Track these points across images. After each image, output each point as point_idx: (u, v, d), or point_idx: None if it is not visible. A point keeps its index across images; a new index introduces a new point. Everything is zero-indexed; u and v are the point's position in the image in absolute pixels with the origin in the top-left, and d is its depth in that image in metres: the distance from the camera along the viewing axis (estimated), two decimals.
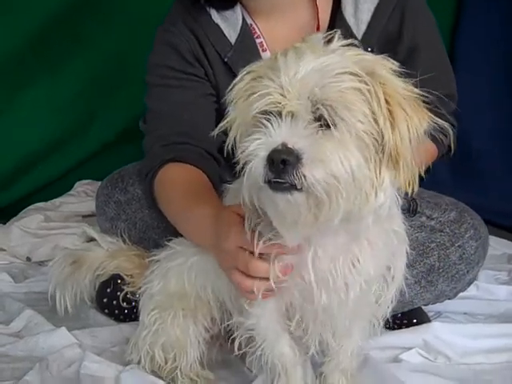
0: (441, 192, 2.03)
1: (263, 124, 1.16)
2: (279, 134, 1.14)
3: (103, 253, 1.86)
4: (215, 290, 1.53)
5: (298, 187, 1.12)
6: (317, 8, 1.86)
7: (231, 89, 1.25)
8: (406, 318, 1.91)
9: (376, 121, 1.16)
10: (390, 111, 1.17)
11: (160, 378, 1.56)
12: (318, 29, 1.86)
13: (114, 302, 1.88)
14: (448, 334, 1.80)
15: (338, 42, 1.21)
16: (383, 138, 1.17)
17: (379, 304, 1.41)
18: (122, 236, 1.88)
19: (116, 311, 1.90)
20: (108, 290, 1.88)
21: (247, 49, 1.85)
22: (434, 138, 1.87)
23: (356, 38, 1.81)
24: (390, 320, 1.86)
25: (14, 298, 2.07)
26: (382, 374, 1.62)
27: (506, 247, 2.69)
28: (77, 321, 1.91)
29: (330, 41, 1.22)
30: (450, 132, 1.86)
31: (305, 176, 1.11)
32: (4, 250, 2.46)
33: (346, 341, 1.46)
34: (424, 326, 1.85)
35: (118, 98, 3.03)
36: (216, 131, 1.30)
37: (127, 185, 1.94)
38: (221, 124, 1.28)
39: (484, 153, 3.25)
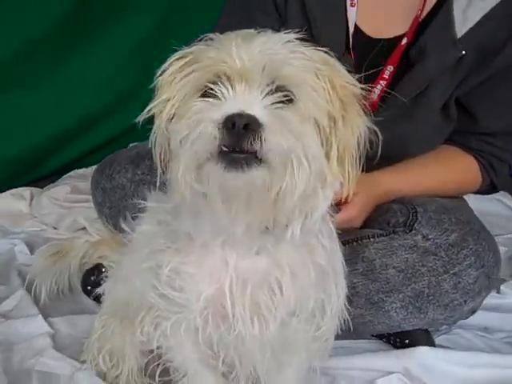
0: None
1: (212, 92, 1.04)
2: (236, 101, 1.02)
3: (87, 242, 1.86)
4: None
5: (259, 157, 1.00)
6: None
7: (160, 74, 1.12)
8: (398, 336, 1.74)
9: (330, 106, 1.08)
10: (342, 102, 1.09)
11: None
12: (419, 14, 1.67)
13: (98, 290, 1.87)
14: (430, 360, 1.65)
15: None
16: (334, 124, 1.08)
17: (315, 338, 1.29)
18: (107, 222, 1.88)
19: (100, 299, 1.89)
20: (92, 278, 1.88)
21: None
22: (484, 167, 1.69)
23: (454, 36, 1.61)
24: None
25: (24, 270, 2.10)
26: None
27: None
28: (71, 305, 1.94)
29: None
30: (502, 167, 1.71)
31: (266, 144, 1.00)
32: (36, 218, 2.53)
33: (277, 377, 1.34)
34: (409, 350, 1.68)
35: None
36: (142, 116, 1.13)
37: (113, 172, 1.90)
38: (148, 108, 1.13)
39: None
